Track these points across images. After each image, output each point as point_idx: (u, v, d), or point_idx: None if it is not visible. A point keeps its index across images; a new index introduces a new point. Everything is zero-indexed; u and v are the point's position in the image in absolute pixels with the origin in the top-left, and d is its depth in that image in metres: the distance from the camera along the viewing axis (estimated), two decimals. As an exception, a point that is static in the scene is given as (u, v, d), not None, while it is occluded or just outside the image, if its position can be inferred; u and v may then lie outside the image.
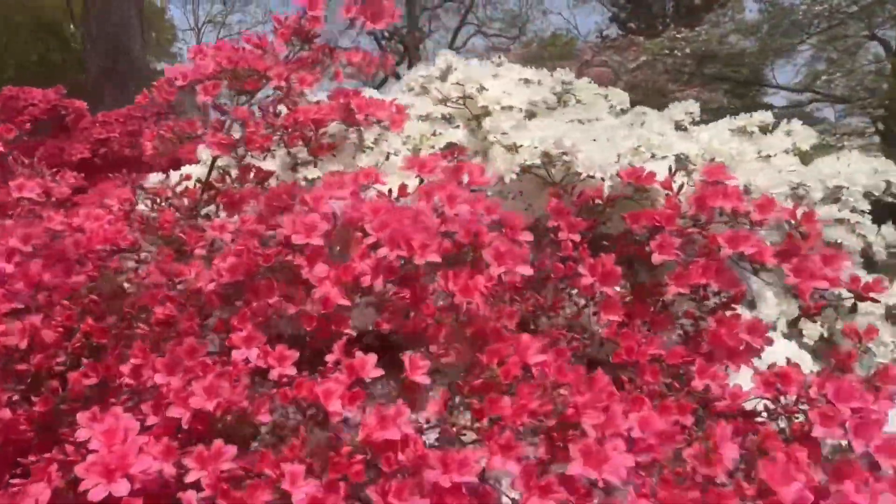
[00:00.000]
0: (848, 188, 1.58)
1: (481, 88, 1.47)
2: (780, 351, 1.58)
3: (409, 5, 15.12)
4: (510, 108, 1.56)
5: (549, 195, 1.27)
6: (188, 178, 1.51)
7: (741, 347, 1.15)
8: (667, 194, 1.26)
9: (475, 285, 0.91)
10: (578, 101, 1.82)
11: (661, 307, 1.25)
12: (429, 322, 0.92)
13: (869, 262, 2.10)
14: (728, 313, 1.19)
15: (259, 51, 1.42)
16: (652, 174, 1.24)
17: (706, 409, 1.05)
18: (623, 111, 2.00)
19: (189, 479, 0.78)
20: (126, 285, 1.11)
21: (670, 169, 1.26)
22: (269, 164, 1.69)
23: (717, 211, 1.21)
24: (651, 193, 1.34)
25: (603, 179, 1.30)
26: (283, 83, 1.35)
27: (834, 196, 1.61)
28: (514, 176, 1.31)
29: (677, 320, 1.25)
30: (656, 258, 1.16)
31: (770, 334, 1.66)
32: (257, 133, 1.24)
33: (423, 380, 0.88)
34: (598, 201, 1.27)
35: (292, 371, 0.90)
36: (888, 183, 1.65)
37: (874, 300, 1.15)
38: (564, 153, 1.30)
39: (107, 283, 1.06)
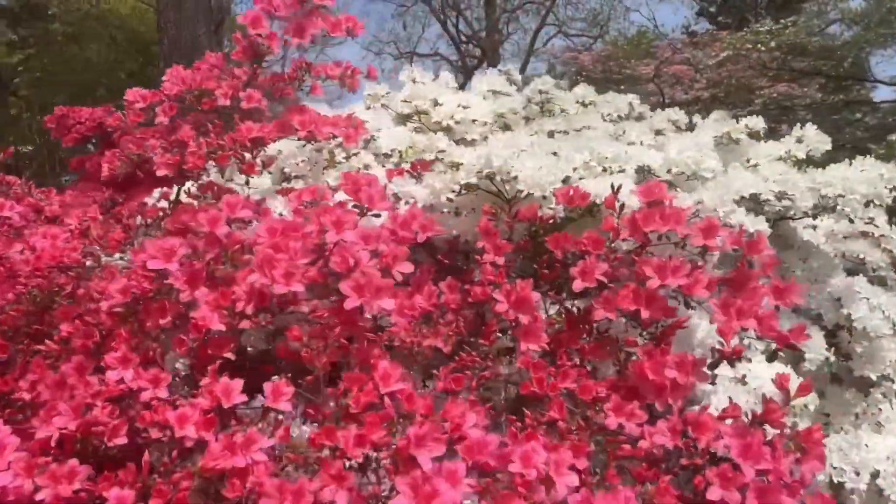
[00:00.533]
0: (844, 197, 1.45)
1: (435, 104, 1.45)
2: (765, 375, 1.48)
3: (487, 8, 15.11)
4: (473, 121, 1.53)
5: (484, 214, 1.24)
6: (166, 196, 1.57)
7: (667, 384, 1.08)
8: (609, 214, 1.20)
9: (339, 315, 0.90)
10: (563, 111, 1.75)
11: (597, 335, 1.19)
12: (296, 347, 0.91)
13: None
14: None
15: (215, 71, 1.47)
16: (585, 194, 1.19)
17: (610, 452, 0.98)
18: (622, 118, 1.91)
19: (38, 497, 0.81)
20: (58, 301, 1.17)
21: (612, 186, 1.20)
22: (261, 181, 1.74)
23: (653, 234, 1.14)
24: (603, 212, 1.28)
25: (545, 198, 1.25)
26: (227, 101, 1.38)
27: (829, 206, 1.48)
28: (451, 195, 1.29)
29: (621, 350, 1.19)
30: (577, 285, 1.11)
31: (757, 357, 1.58)
32: (196, 153, 1.27)
33: (283, 407, 0.88)
34: (534, 222, 1.22)
35: (165, 394, 0.91)
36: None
37: (796, 349, 1.05)
38: (509, 171, 1.26)
39: (34, 300, 1.12)
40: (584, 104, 1.91)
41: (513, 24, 16.03)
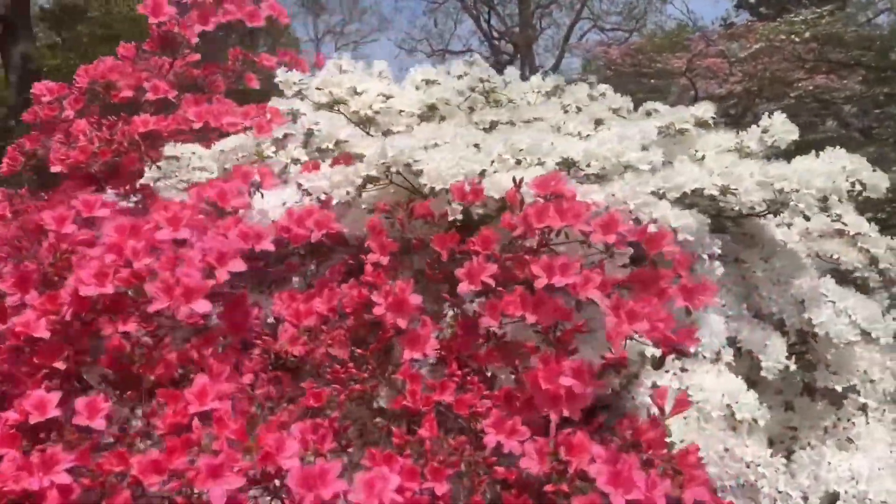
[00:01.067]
0: (798, 192, 1.31)
1: (354, 92, 1.37)
2: (716, 388, 1.37)
3: (521, 3, 14.95)
4: (401, 112, 1.45)
5: (378, 211, 1.15)
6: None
7: (561, 393, 0.98)
8: (507, 210, 1.10)
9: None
10: (510, 101, 1.66)
11: (495, 341, 1.09)
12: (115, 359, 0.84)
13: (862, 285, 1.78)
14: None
15: (126, 62, 1.41)
16: (478, 189, 1.09)
17: (474, 475, 0.89)
18: (580, 109, 1.79)
19: None
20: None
21: (514, 180, 1.10)
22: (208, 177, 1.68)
23: (548, 231, 1.04)
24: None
25: (446, 191, 1.16)
26: (131, 93, 1.32)
27: (783, 201, 1.35)
28: (350, 189, 1.20)
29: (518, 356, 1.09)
30: (462, 288, 1.02)
31: (715, 368, 1.46)
32: (86, 148, 1.21)
33: (97, 424, 0.81)
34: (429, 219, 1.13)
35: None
36: (857, 184, 1.36)
37: (683, 353, 0.94)
38: (409, 163, 1.18)
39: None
40: (543, 94, 1.81)
41: (546, 18, 15.84)
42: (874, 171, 1.40)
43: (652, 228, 1.09)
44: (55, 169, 1.27)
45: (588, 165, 1.23)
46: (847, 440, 1.50)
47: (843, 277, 1.81)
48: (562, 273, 0.97)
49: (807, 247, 1.71)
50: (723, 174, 1.31)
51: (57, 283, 0.88)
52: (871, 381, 1.47)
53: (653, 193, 1.36)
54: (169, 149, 1.56)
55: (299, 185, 1.34)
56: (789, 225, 1.75)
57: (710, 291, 1.02)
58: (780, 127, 1.60)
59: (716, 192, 1.32)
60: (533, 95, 1.83)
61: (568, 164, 1.28)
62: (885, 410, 1.56)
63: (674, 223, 1.16)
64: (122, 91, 1.32)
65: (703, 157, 1.40)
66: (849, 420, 1.54)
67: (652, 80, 10.04)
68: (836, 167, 1.37)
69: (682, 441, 1.25)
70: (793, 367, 1.45)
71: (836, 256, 1.65)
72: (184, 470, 0.72)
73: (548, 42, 16.05)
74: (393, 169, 1.13)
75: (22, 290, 0.88)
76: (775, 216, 1.53)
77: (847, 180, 1.35)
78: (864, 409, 1.55)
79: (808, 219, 1.40)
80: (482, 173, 1.26)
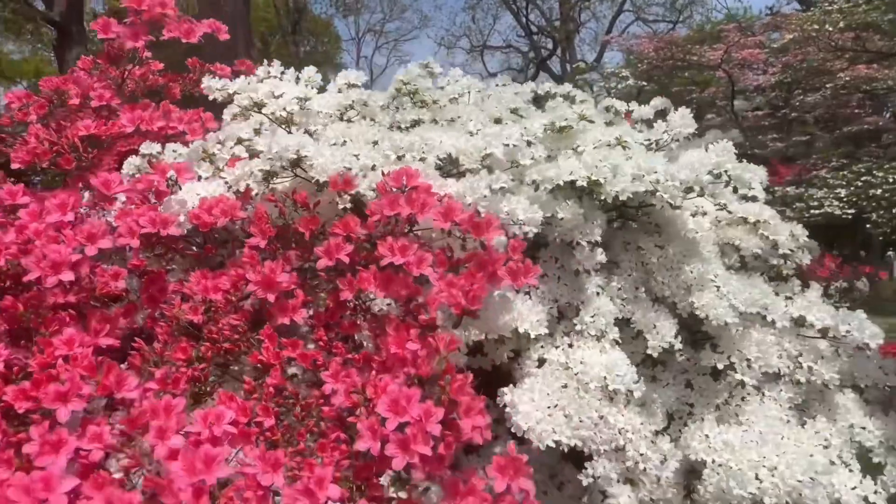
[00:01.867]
0: (661, 183, 1.45)
1: (272, 96, 1.57)
2: (597, 362, 1.52)
3: (561, -3, 14.98)
4: (318, 113, 1.64)
5: (267, 201, 1.35)
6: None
7: (408, 356, 1.15)
8: (375, 199, 1.28)
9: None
10: (436, 102, 1.83)
11: (363, 314, 1.28)
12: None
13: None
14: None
15: (81, 73, 1.64)
16: (348, 179, 1.28)
17: (304, 413, 1.07)
18: (515, 110, 1.94)
19: None
20: None
21: (377, 170, 1.28)
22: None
23: (397, 218, 1.21)
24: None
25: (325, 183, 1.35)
26: (79, 101, 1.55)
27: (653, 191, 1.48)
28: (251, 182, 1.40)
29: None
30: (321, 263, 1.20)
31: (599, 345, 1.61)
32: (34, 149, 1.44)
33: (-6, 366, 1.02)
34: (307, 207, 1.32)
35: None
36: (723, 175, 1.48)
37: (472, 315, 1.10)
38: (297, 158, 1.37)
39: None
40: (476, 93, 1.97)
41: (586, 12, 15.79)
42: (740, 162, 1.51)
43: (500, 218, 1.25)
44: (15, 166, 1.51)
45: (458, 161, 1.40)
46: (735, 416, 1.62)
47: (763, 268, 1.93)
48: (401, 253, 1.15)
49: (716, 235, 1.82)
50: (587, 166, 1.45)
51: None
52: (748, 360, 1.59)
53: (533, 183, 1.53)
54: (144, 146, 1.80)
55: (224, 180, 1.55)
56: (704, 213, 1.89)
57: (532, 273, 1.18)
58: (679, 121, 1.73)
59: (584, 184, 1.47)
60: (468, 96, 1.99)
61: (449, 160, 1.45)
62: (781, 390, 1.68)
63: (521, 215, 1.31)
64: (71, 98, 1.55)
65: (582, 152, 1.54)
66: (743, 399, 1.66)
67: (685, 73, 9.99)
68: (701, 160, 1.49)
69: (555, 406, 1.42)
70: (678, 346, 1.58)
71: (737, 243, 1.76)
72: (41, 396, 0.93)
73: (590, 35, 15.99)
74: (279, 163, 1.32)
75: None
76: (672, 206, 1.66)
77: (712, 172, 1.48)
78: (759, 388, 1.67)
79: (675, 207, 1.51)
80: (373, 167, 1.45)
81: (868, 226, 6.78)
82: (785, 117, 9.23)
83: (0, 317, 1.09)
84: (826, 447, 1.55)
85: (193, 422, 0.99)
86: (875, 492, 1.54)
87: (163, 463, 0.88)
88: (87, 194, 1.82)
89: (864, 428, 1.64)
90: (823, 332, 1.66)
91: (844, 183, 6.83)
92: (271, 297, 1.21)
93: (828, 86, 8.23)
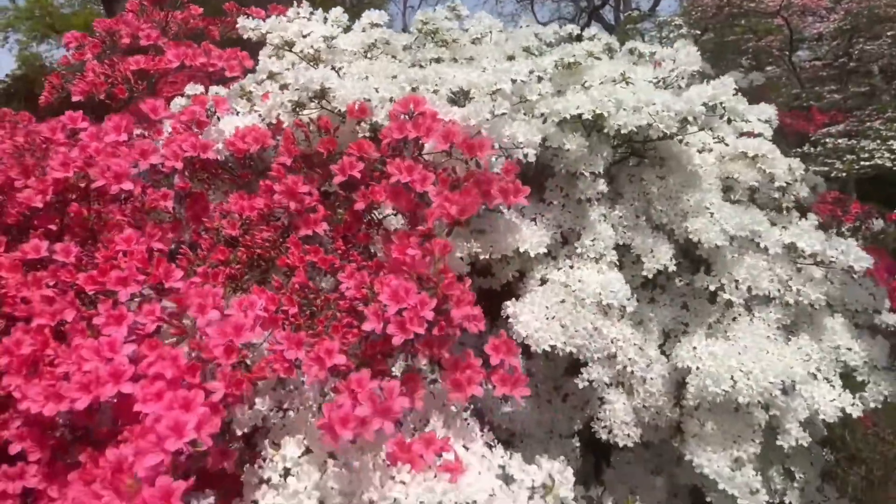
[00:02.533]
0: (659, 113, 1.59)
1: (301, 35, 1.75)
2: (594, 281, 1.69)
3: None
4: (344, 51, 1.82)
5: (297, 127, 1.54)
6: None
7: (408, 261, 1.34)
8: (385, 126, 1.46)
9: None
10: (454, 41, 1.98)
11: (375, 225, 1.48)
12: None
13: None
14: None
15: (130, 15, 1.86)
16: (364, 108, 1.46)
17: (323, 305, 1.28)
18: (527, 49, 2.08)
19: None
20: None
21: (391, 99, 1.46)
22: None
23: (405, 140, 1.39)
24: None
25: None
26: (129, 40, 1.76)
27: (651, 123, 1.62)
28: (279, 114, 1.59)
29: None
30: (336, 179, 1.40)
31: (597, 267, 1.78)
32: (93, 82, 1.66)
33: (68, 259, 1.25)
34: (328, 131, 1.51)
35: None
36: (719, 106, 1.61)
37: (458, 224, 1.28)
38: (322, 89, 1.55)
39: None
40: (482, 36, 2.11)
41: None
42: (735, 95, 1.64)
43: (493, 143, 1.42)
44: (75, 98, 1.73)
45: (469, 94, 1.56)
46: (724, 332, 1.78)
47: (770, 204, 2.05)
48: (408, 172, 1.33)
49: (719, 169, 1.95)
50: (593, 100, 1.60)
51: (46, 172, 1.33)
52: (737, 282, 1.74)
53: (542, 116, 1.69)
54: (189, 88, 2.02)
55: (258, 113, 1.75)
56: (710, 150, 2.01)
57: (522, 193, 1.35)
58: (684, 59, 1.85)
59: (590, 117, 1.62)
60: (489, 36, 2.14)
61: (461, 93, 1.61)
62: (771, 312, 1.82)
63: (521, 137, 1.48)
64: (122, 38, 1.76)
65: (590, 87, 1.68)
66: (734, 319, 1.81)
67: (743, 21, 9.76)
68: (698, 93, 1.62)
69: (552, 318, 1.59)
70: (672, 268, 1.73)
71: (736, 176, 1.89)
72: (105, 281, 1.15)
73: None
74: (305, 94, 1.51)
75: (24, 176, 1.34)
76: (672, 139, 1.79)
77: (706, 104, 1.61)
78: (748, 307, 1.82)
79: (669, 136, 1.65)
80: (390, 100, 1.63)
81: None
82: (843, 67, 8.97)
83: (70, 221, 1.32)
84: (806, 361, 1.70)
85: (230, 307, 1.20)
86: (852, 404, 1.69)
87: (202, 330, 1.10)
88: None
89: (849, 349, 1.78)
90: (815, 260, 1.79)
91: (899, 135, 6.69)
92: (294, 206, 1.41)
93: (889, 34, 7.98)
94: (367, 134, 1.58)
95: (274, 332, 1.22)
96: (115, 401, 1.09)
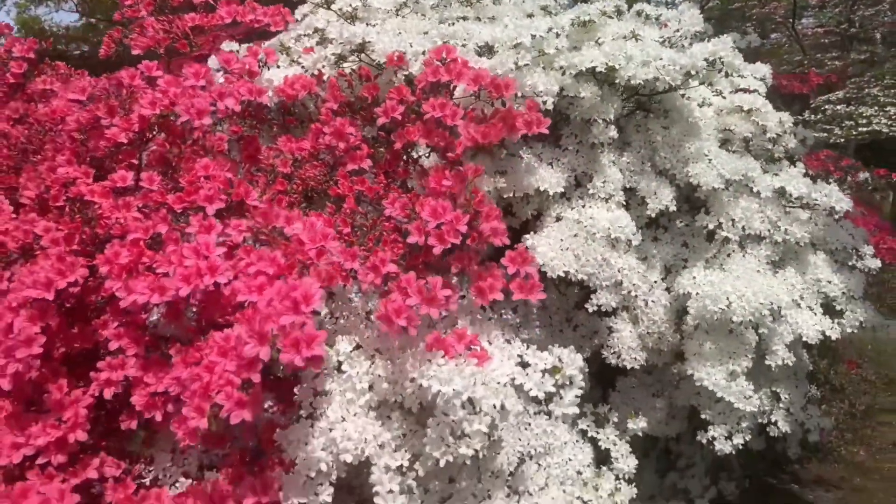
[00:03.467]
0: (665, 66, 1.79)
1: (340, -6, 1.95)
2: (603, 218, 1.90)
3: None
4: (378, 9, 2.02)
5: (340, 76, 1.75)
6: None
7: (443, 189, 1.56)
8: (419, 74, 1.67)
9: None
10: (478, 1, 2.18)
11: (413, 165, 1.69)
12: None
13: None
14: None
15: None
16: (401, 57, 1.66)
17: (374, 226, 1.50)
18: (545, 7, 2.27)
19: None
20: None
21: (427, 54, 1.66)
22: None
23: (438, 84, 1.60)
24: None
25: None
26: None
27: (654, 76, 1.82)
28: (322, 66, 1.80)
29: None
30: (380, 121, 1.60)
31: (606, 206, 1.98)
32: (153, 36, 1.86)
33: (154, 186, 1.47)
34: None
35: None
36: (718, 61, 1.81)
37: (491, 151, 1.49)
38: (363, 43, 1.75)
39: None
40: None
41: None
42: (733, 51, 1.84)
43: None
44: (135, 52, 1.93)
45: (493, 48, 1.77)
46: (720, 265, 2.00)
47: (764, 155, 2.26)
48: (441, 108, 1.54)
49: (717, 122, 2.16)
50: (606, 54, 1.80)
51: (129, 112, 1.54)
52: (733, 220, 1.96)
53: (560, 68, 1.89)
54: (225, 45, 2.22)
55: (301, 65, 1.95)
56: (710, 105, 2.22)
57: (544, 123, 1.56)
58: (688, 20, 2.05)
59: (603, 69, 1.82)
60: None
61: (486, 48, 1.82)
62: (761, 249, 2.05)
63: (541, 87, 1.68)
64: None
65: (602, 43, 1.88)
66: (728, 255, 2.03)
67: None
68: (700, 50, 1.83)
69: (567, 249, 1.81)
70: (673, 208, 1.95)
71: (732, 127, 2.10)
72: (193, 199, 1.37)
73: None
74: (347, 48, 1.71)
75: (110, 116, 1.54)
76: (676, 91, 2.00)
77: (707, 59, 1.81)
78: (741, 245, 2.04)
79: (675, 88, 1.85)
80: (423, 53, 1.83)
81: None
82: (844, 34, 9.14)
83: (150, 154, 1.54)
84: (791, 290, 1.92)
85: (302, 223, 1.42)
86: (831, 328, 1.92)
87: (295, 237, 1.32)
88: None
89: (830, 281, 2.01)
90: (802, 203, 2.01)
91: (896, 101, 6.87)
92: (342, 146, 1.62)
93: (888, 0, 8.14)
94: (402, 80, 1.79)
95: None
96: (201, 302, 1.32)
